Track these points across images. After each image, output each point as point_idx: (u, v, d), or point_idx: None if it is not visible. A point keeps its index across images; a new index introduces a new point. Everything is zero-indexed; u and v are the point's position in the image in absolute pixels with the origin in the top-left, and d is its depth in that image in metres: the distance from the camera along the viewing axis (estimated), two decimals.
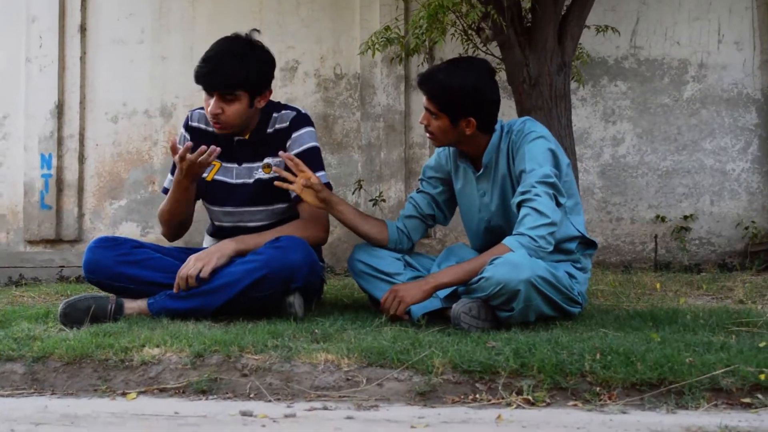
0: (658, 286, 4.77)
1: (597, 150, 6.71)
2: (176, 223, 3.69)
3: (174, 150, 3.34)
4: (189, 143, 3.35)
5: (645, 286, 4.80)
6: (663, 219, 6.62)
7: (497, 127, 3.45)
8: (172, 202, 3.59)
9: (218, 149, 3.34)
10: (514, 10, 4.96)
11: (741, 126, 6.69)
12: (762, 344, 2.67)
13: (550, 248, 3.18)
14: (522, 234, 3.15)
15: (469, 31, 5.37)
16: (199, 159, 3.31)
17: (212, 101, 3.44)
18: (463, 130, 3.36)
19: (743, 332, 3.04)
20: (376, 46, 5.25)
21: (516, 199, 3.26)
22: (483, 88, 3.39)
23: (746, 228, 6.56)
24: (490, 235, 3.53)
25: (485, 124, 3.40)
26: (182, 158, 3.32)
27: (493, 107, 3.44)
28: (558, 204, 3.24)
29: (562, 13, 5.10)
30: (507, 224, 3.42)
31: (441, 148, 3.69)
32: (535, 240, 3.12)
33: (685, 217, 6.61)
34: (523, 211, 3.20)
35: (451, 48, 6.25)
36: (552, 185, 3.23)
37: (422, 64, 6.62)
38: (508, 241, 3.16)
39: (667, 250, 6.63)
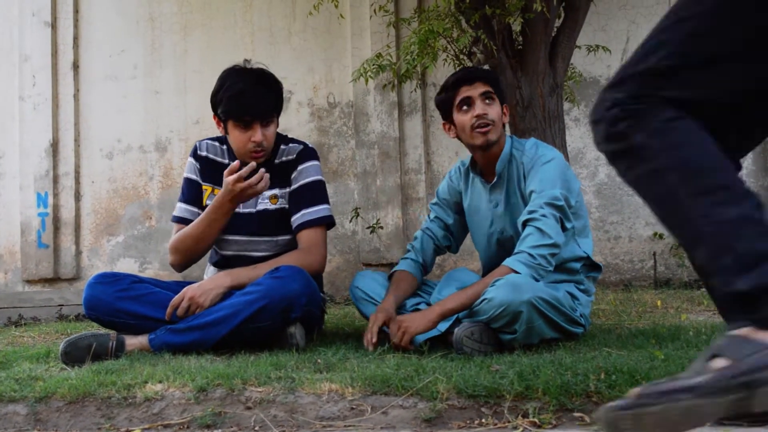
0: (659, 303, 4.76)
1: (592, 169, 6.72)
2: (201, 249, 3.65)
3: (233, 171, 3.37)
4: (238, 161, 3.40)
5: (646, 304, 4.80)
6: (661, 236, 6.63)
7: (507, 138, 3.52)
8: (205, 226, 3.54)
9: (267, 175, 3.39)
10: (504, 33, 4.99)
11: None
12: None
13: (550, 269, 3.19)
14: (521, 252, 3.16)
15: (461, 56, 5.39)
16: (258, 184, 3.35)
17: (257, 131, 3.50)
18: (503, 120, 3.49)
19: None
20: (369, 73, 5.27)
21: (522, 218, 3.27)
22: None
23: None
24: (502, 248, 3.54)
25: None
26: (238, 180, 3.34)
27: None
28: (563, 228, 3.25)
29: (553, 35, 5.13)
30: (518, 235, 3.43)
31: (451, 171, 3.76)
32: (534, 258, 3.13)
33: None
34: (527, 230, 3.21)
35: (443, 73, 6.27)
36: (559, 208, 3.24)
37: (415, 90, 6.65)
38: (508, 261, 3.16)
39: (666, 266, 6.63)
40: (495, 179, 3.50)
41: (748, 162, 6.68)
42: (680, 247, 6.44)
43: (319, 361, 2.97)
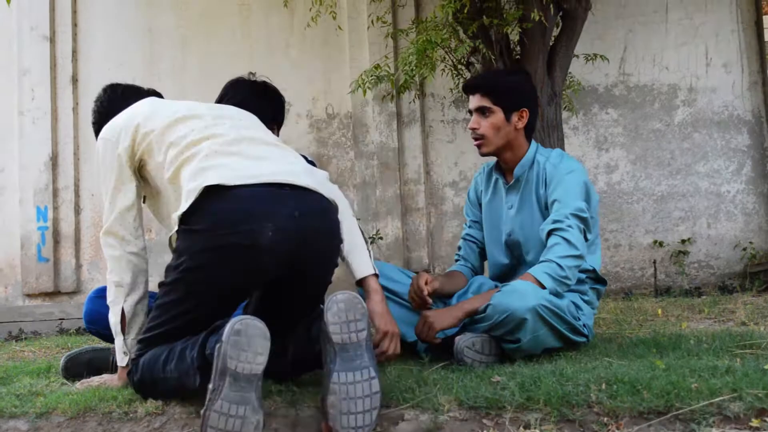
0: (659, 311, 4.75)
1: (591, 178, 6.72)
2: None
3: None
4: None
5: (646, 312, 4.79)
6: (661, 244, 6.63)
7: (533, 144, 3.52)
8: None
9: None
10: (502, 43, 4.99)
11: (733, 148, 6.72)
12: (767, 366, 2.66)
13: (572, 283, 3.17)
14: (550, 261, 3.13)
15: (459, 66, 5.39)
16: None
17: None
18: (514, 126, 3.43)
19: (747, 355, 3.03)
20: (367, 84, 5.28)
21: (547, 227, 3.25)
22: (531, 83, 3.63)
23: (744, 249, 6.57)
24: (509, 250, 3.54)
25: (532, 122, 3.49)
26: None
27: (537, 108, 3.58)
28: (585, 239, 3.25)
29: (551, 44, 5.13)
30: (525, 240, 3.44)
31: (477, 173, 3.76)
32: (562, 269, 3.10)
33: (683, 241, 6.62)
34: (554, 239, 3.19)
35: (441, 83, 6.29)
36: (584, 220, 3.24)
37: (413, 100, 6.65)
38: (535, 271, 3.12)
39: (667, 274, 6.62)
40: (512, 181, 3.51)
41: (747, 169, 6.68)
42: (680, 255, 6.47)
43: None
